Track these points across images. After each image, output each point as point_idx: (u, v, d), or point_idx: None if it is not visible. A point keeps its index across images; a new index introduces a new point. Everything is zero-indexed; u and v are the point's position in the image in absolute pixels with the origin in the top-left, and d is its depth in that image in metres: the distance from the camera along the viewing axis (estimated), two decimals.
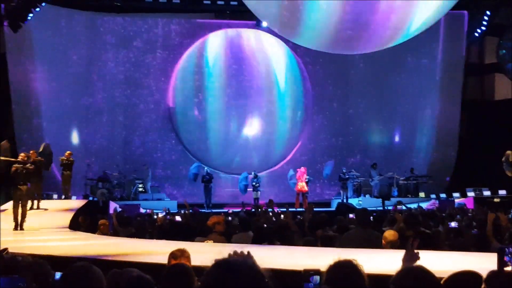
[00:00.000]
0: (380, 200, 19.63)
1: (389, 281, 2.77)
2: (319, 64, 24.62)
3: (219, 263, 1.87)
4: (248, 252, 2.39)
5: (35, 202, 14.66)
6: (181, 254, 4.35)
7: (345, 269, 2.88)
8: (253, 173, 21.45)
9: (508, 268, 2.40)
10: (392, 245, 5.98)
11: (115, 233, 10.40)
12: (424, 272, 2.62)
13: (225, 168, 23.72)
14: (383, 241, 6.08)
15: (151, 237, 9.58)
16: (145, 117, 23.55)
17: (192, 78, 23.85)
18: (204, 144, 23.78)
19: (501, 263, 2.44)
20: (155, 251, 6.05)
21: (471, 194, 18.79)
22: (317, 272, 3.28)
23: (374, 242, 6.32)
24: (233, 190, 22.80)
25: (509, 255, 2.40)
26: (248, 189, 21.50)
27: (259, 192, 21.09)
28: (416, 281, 2.56)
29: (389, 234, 6.10)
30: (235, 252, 2.71)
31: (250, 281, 1.78)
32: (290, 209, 18.17)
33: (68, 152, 17.22)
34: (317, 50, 20.39)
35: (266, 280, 1.82)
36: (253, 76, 23.98)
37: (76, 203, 16.25)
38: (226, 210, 17.31)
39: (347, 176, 20.90)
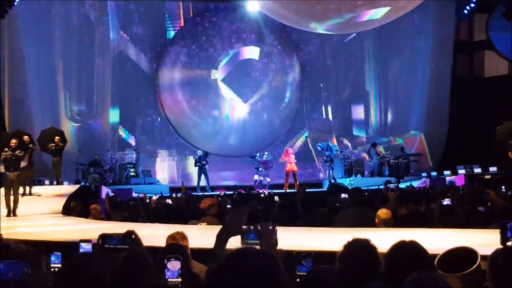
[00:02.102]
0: (371, 179, 19.75)
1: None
2: (310, 46, 24.67)
3: (235, 252, 1.83)
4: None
5: (27, 188, 14.63)
6: (180, 237, 4.38)
7: (360, 249, 2.88)
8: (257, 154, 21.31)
9: (509, 243, 2.41)
10: (386, 223, 6.02)
11: (108, 217, 10.41)
12: (415, 246, 2.63)
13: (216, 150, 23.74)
14: (376, 220, 6.11)
15: (144, 220, 9.58)
16: None
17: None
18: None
19: (504, 238, 2.45)
20: (149, 234, 6.04)
21: (461, 171, 18.85)
22: (309, 254, 3.27)
23: (367, 221, 6.35)
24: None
25: (511, 231, 2.42)
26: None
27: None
28: (407, 254, 2.57)
29: (382, 212, 6.14)
30: (262, 225, 2.72)
31: (265, 269, 1.75)
32: (279, 191, 18.42)
33: (57, 137, 17.15)
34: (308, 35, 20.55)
35: (280, 267, 1.79)
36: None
37: (68, 188, 16.24)
38: (218, 192, 17.31)
39: (331, 157, 20.85)
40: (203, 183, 20.37)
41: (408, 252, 2.61)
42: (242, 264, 1.74)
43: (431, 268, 2.51)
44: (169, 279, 3.21)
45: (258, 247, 2.67)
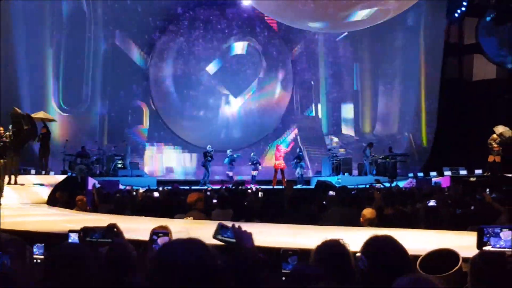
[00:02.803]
0: (359, 178, 19.82)
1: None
2: (302, 44, 24.74)
3: (168, 244, 1.90)
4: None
5: (13, 177, 14.53)
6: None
7: (332, 248, 2.88)
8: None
9: (486, 248, 2.44)
10: (370, 222, 6.04)
11: (94, 209, 10.36)
12: (390, 240, 2.63)
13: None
14: (361, 218, 6.14)
15: (130, 213, 9.54)
16: None
17: None
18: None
19: (480, 242, 2.48)
20: (135, 228, 6.03)
21: (448, 173, 18.97)
22: (295, 252, 3.29)
23: (353, 219, 6.38)
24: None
25: (488, 235, 2.44)
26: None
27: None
28: (382, 248, 2.57)
29: (367, 212, 6.16)
30: (238, 227, 2.73)
31: (201, 260, 1.79)
32: (267, 187, 18.48)
33: (42, 127, 17.06)
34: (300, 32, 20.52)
35: (218, 260, 1.84)
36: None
37: (54, 178, 16.13)
38: (206, 187, 17.32)
39: (301, 154, 20.99)
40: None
41: (382, 248, 2.60)
42: (175, 254, 1.80)
43: (408, 263, 2.51)
44: None
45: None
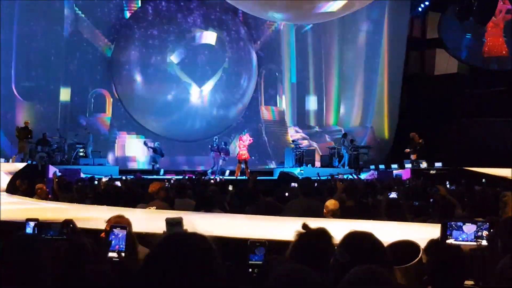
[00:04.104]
0: (321, 169, 19.97)
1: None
2: (268, 35, 24.76)
3: (169, 236, 1.87)
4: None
5: None
6: (119, 221, 4.24)
7: (317, 237, 2.87)
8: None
9: (449, 241, 2.49)
10: (333, 214, 6.09)
11: (54, 197, 10.21)
12: (369, 236, 2.63)
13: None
14: (324, 210, 6.18)
15: (91, 202, 9.44)
16: None
17: None
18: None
19: (443, 235, 2.53)
20: (95, 217, 5.97)
21: (408, 165, 19.27)
22: (262, 243, 3.29)
23: (315, 211, 6.43)
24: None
25: (451, 229, 2.49)
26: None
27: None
28: (361, 244, 2.57)
29: (330, 203, 6.20)
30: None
31: (200, 254, 1.78)
32: (231, 177, 18.50)
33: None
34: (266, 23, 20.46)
35: (215, 253, 1.82)
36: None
37: (14, 166, 15.85)
38: (169, 176, 17.24)
39: (216, 146, 21.19)
40: None
41: (361, 243, 2.59)
42: (176, 247, 1.79)
43: (386, 259, 2.52)
44: (112, 252, 3.27)
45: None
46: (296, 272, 1.92)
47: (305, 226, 2.91)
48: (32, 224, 4.04)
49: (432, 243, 2.73)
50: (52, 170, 14.74)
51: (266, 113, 25.25)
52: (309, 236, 2.88)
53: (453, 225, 2.50)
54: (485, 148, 19.67)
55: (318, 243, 2.82)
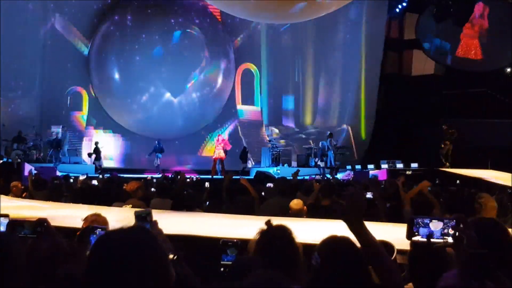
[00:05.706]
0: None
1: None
2: (245, 34, 24.74)
3: (109, 232, 1.87)
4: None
5: None
6: (96, 219, 4.21)
7: (278, 237, 2.89)
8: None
9: (415, 238, 2.52)
10: (297, 214, 6.10)
11: (30, 196, 10.11)
12: (347, 241, 2.64)
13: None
14: (289, 210, 6.19)
15: (67, 200, 9.36)
16: None
17: None
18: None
19: (410, 232, 2.55)
20: (70, 215, 5.93)
21: (384, 166, 19.40)
22: (234, 243, 3.29)
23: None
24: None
25: (417, 225, 2.52)
26: None
27: None
28: (339, 250, 2.58)
29: (293, 203, 6.20)
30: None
31: (142, 249, 1.78)
32: (205, 176, 18.45)
33: None
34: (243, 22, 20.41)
35: (160, 247, 1.82)
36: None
37: None
38: (146, 175, 17.16)
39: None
40: None
41: (339, 249, 2.59)
42: (115, 243, 1.79)
43: (363, 264, 2.54)
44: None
45: None
46: (267, 281, 1.89)
47: (268, 223, 2.95)
48: (4, 221, 3.99)
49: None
50: (28, 168, 14.60)
51: (242, 112, 25.24)
52: (270, 233, 2.90)
53: (420, 222, 2.52)
54: (464, 149, 19.82)
55: (278, 240, 2.86)
